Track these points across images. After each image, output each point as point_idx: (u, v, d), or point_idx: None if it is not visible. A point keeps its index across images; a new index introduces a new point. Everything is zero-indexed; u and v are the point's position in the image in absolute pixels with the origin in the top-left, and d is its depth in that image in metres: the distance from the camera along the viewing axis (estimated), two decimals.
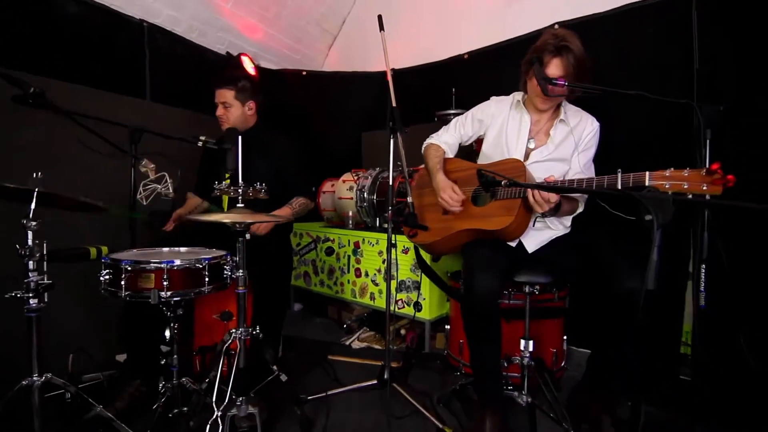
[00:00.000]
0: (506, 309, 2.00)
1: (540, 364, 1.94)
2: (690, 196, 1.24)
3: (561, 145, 1.77)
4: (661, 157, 1.89)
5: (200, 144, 1.97)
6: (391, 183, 1.90)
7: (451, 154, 2.01)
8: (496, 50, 2.91)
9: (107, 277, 1.49)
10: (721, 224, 1.73)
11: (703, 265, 1.56)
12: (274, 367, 1.85)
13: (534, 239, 1.77)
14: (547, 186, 1.51)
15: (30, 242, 1.34)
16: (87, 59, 2.42)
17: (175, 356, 1.68)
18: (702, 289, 1.57)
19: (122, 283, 1.45)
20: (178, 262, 1.48)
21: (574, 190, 1.60)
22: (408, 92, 3.47)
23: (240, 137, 1.54)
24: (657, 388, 2.03)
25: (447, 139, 2.00)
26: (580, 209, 1.78)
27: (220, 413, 1.43)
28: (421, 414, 1.80)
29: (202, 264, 1.53)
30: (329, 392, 1.95)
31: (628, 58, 2.30)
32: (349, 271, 2.90)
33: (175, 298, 1.48)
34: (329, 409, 1.87)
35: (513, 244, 1.78)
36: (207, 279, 1.54)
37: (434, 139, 2.02)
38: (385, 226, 2.77)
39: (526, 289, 1.81)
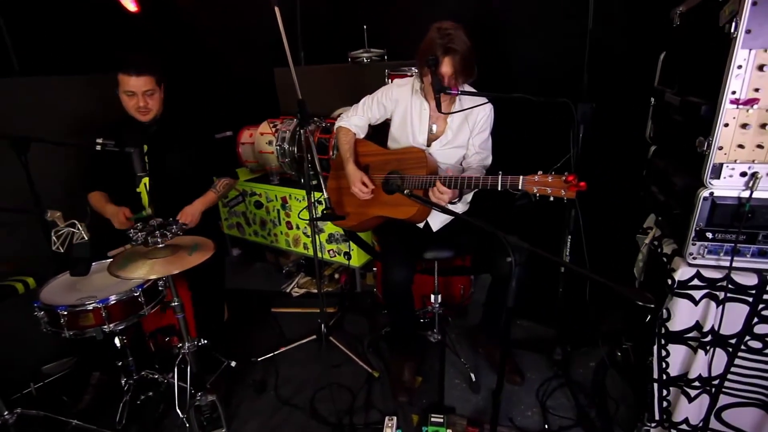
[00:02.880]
0: (422, 269, 2.35)
1: (448, 308, 2.38)
2: (552, 199, 1.52)
3: (458, 132, 1.94)
4: (546, 144, 2.13)
5: (98, 148, 1.89)
6: (306, 181, 1.99)
7: (362, 135, 2.10)
8: None
9: (45, 318, 1.59)
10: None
11: (569, 237, 1.96)
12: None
13: (437, 219, 2.04)
14: (444, 178, 1.73)
15: None
16: None
17: (130, 358, 1.91)
18: (567, 254, 1.98)
19: (62, 323, 1.57)
20: (113, 298, 1.60)
21: (463, 186, 1.77)
22: (317, 24, 3.27)
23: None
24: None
25: (356, 121, 2.07)
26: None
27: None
28: (354, 362, 2.23)
29: (137, 292, 1.66)
30: (275, 352, 2.31)
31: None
32: (280, 223, 3.07)
33: (119, 327, 1.64)
34: (277, 367, 2.25)
35: (420, 225, 2.04)
36: (144, 301, 1.70)
37: (344, 122, 2.09)
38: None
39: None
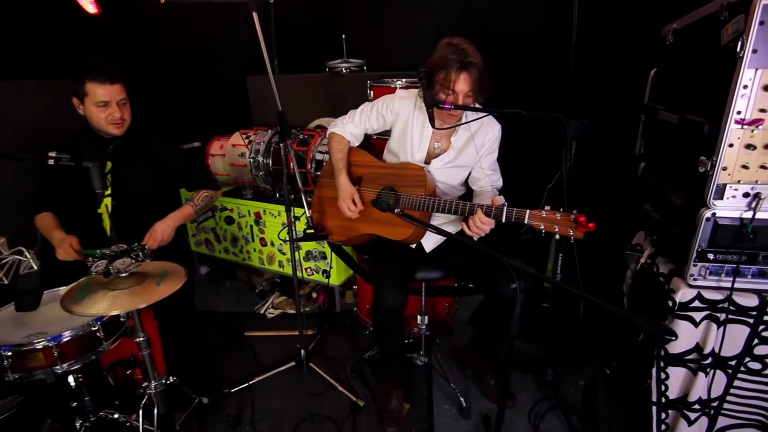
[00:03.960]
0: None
1: (433, 327, 2.29)
2: (558, 237, 1.45)
3: (462, 152, 1.83)
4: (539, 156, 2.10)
5: (51, 162, 1.68)
6: (287, 198, 1.85)
7: (356, 144, 1.99)
8: None
9: None
10: None
11: (561, 254, 1.91)
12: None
13: (431, 240, 1.93)
14: (432, 203, 1.63)
15: None
16: None
17: (87, 398, 1.70)
18: (558, 272, 1.94)
19: (5, 365, 1.36)
20: (67, 334, 1.41)
21: (462, 212, 1.66)
22: (294, 30, 3.15)
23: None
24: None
25: (352, 129, 1.95)
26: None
27: None
28: (337, 389, 2.09)
29: (95, 326, 1.47)
30: (250, 382, 2.14)
31: None
32: (253, 240, 2.90)
33: (74, 367, 1.44)
34: (253, 398, 2.08)
35: (413, 245, 1.94)
36: (104, 336, 1.51)
37: (338, 128, 1.96)
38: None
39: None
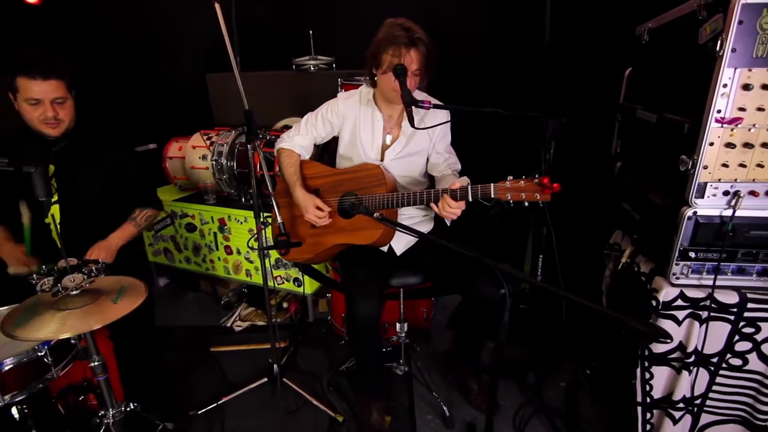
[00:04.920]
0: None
1: (412, 333, 2.25)
2: (527, 204, 1.45)
3: (412, 138, 1.81)
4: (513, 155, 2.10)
5: None
6: (255, 203, 1.77)
7: (307, 156, 1.93)
8: None
9: None
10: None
11: (541, 255, 1.92)
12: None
13: (401, 241, 1.90)
14: (396, 198, 1.63)
15: None
16: None
17: (33, 431, 1.55)
18: (539, 273, 1.95)
19: None
20: (8, 361, 1.27)
21: (428, 201, 1.64)
22: (259, 25, 3.05)
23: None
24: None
25: (300, 141, 1.90)
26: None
27: None
28: (314, 405, 2.01)
29: (42, 351, 1.34)
30: (219, 402, 2.03)
31: None
32: (218, 248, 2.77)
33: (18, 398, 1.31)
34: (223, 419, 1.97)
35: (384, 248, 1.90)
36: (52, 362, 1.38)
37: (286, 143, 1.91)
38: (251, 203, 2.65)
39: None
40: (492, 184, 1.46)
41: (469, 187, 1.50)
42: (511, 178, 1.44)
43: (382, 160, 1.84)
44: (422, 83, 1.74)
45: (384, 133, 1.84)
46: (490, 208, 1.57)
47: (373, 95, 1.82)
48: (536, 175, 1.41)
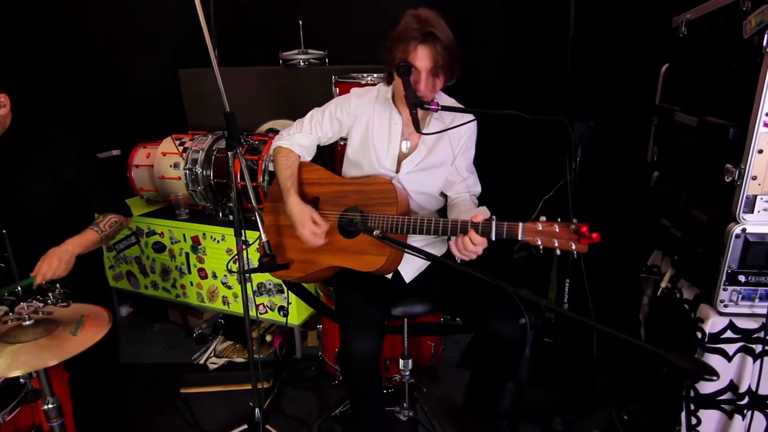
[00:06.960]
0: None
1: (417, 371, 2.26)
2: (559, 252, 1.47)
3: (434, 148, 1.83)
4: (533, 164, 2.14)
5: None
6: (237, 219, 1.80)
7: (308, 158, 1.96)
8: None
9: None
10: None
11: (567, 280, 1.94)
12: None
13: (411, 266, 1.91)
14: (408, 224, 1.63)
15: None
16: None
17: None
18: (566, 301, 1.97)
19: None
20: None
21: (444, 232, 1.63)
22: (246, 17, 3.14)
23: None
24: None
25: (301, 140, 1.92)
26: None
27: None
28: None
29: None
30: None
31: None
32: (190, 272, 2.80)
33: None
34: None
35: (389, 275, 1.91)
36: None
37: (284, 140, 1.93)
38: (230, 218, 2.69)
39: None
40: (520, 224, 1.44)
41: (494, 223, 1.47)
42: (544, 219, 1.43)
43: (397, 171, 1.85)
44: (443, 86, 1.74)
45: (401, 139, 1.85)
46: (515, 249, 1.56)
47: (392, 94, 1.84)
48: (574, 221, 1.39)
